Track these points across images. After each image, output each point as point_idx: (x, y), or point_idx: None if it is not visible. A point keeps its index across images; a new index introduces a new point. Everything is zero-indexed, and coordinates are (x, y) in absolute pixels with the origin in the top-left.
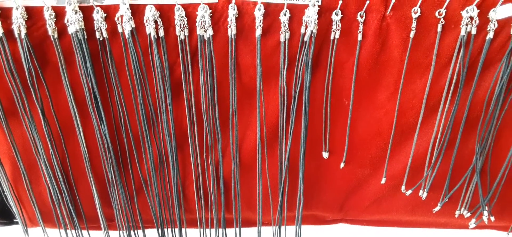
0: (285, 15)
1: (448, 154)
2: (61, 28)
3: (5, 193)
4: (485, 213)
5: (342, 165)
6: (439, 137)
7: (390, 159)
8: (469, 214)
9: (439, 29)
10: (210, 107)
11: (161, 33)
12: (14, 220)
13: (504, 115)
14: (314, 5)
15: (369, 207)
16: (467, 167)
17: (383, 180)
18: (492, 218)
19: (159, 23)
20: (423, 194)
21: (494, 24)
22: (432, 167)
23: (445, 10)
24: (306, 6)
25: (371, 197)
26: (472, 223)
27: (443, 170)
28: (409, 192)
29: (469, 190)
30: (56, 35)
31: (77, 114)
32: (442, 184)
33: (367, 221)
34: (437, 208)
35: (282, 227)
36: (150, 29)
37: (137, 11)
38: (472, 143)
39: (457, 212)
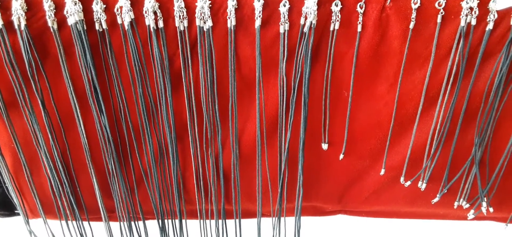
0: (284, 6)
1: (447, 145)
2: (61, 20)
3: (6, 184)
4: (484, 204)
5: (341, 156)
6: (438, 128)
7: (390, 150)
8: (468, 205)
9: (438, 20)
10: (209, 99)
11: (161, 24)
12: (15, 211)
13: (503, 107)
14: None
15: (368, 198)
16: (466, 158)
17: (382, 171)
18: (491, 209)
19: (158, 14)
20: (422, 185)
21: (494, 15)
22: (431, 158)
23: (445, 0)
24: None
25: (370, 188)
26: (471, 214)
27: (442, 161)
28: (408, 183)
29: (468, 181)
30: (55, 26)
31: (77, 106)
32: (441, 175)
33: (366, 212)
34: (436, 199)
35: (282, 218)
36: (149, 21)
37: (136, 2)
38: (471, 134)
39: (456, 203)
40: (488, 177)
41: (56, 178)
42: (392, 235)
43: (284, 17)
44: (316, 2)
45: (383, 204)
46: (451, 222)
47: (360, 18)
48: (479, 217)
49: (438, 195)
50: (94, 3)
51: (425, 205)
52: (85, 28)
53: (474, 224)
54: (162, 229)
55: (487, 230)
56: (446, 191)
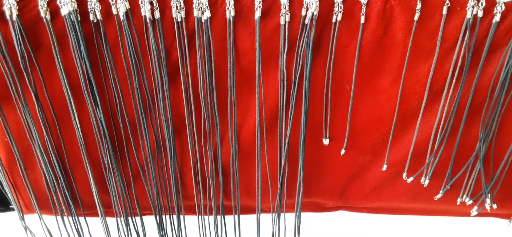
0: None
1: (451, 141)
2: (54, 10)
3: (0, 180)
4: (488, 200)
5: (342, 151)
6: (442, 123)
7: (392, 146)
8: (471, 202)
9: (444, 11)
10: (208, 92)
11: (157, 15)
12: (10, 206)
13: (509, 101)
14: None
15: (369, 194)
16: (470, 154)
17: (384, 167)
18: (494, 206)
19: (154, 4)
20: (424, 181)
21: (501, 7)
22: (434, 154)
23: None
24: None
25: (371, 184)
26: (474, 210)
27: (446, 157)
28: (411, 179)
29: (472, 177)
30: (48, 17)
31: (71, 99)
32: (444, 171)
33: (367, 209)
34: (438, 196)
35: (282, 214)
36: (145, 11)
37: None
38: (476, 129)
39: (459, 200)
40: (492, 173)
41: (51, 173)
42: (393, 232)
43: (285, 8)
44: None
45: (385, 200)
46: (454, 218)
47: (363, 10)
48: (482, 214)
49: (441, 191)
50: None
51: (428, 201)
52: (79, 18)
53: (476, 220)
54: (160, 225)
55: (490, 227)
56: (449, 187)
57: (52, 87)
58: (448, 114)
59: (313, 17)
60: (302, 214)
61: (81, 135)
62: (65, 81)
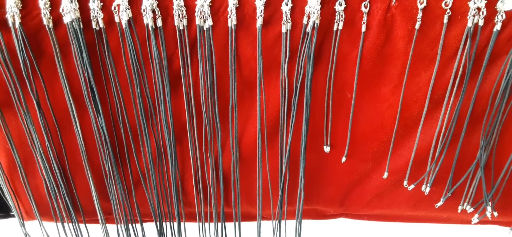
0: (287, 5)
1: (452, 148)
2: (57, 18)
3: (1, 186)
4: (489, 208)
5: (343, 159)
6: (443, 131)
7: (393, 153)
8: (472, 209)
9: (445, 20)
10: (209, 100)
11: (159, 23)
12: (11, 213)
13: (510, 109)
14: None
15: (370, 201)
16: (471, 162)
17: (385, 175)
18: (495, 214)
19: (157, 12)
20: (425, 189)
21: (502, 16)
22: (435, 162)
23: (452, 0)
24: None
25: (372, 191)
26: (475, 218)
27: (447, 165)
28: (412, 186)
29: (473, 185)
30: (51, 25)
31: (73, 106)
32: (445, 178)
33: (368, 216)
34: (439, 203)
35: (282, 222)
36: (147, 19)
37: (134, 0)
38: (477, 137)
39: (460, 207)
40: (493, 180)
41: (52, 179)
42: None
43: (287, 17)
44: (320, 1)
45: (386, 208)
46: (455, 226)
47: (365, 18)
48: (483, 221)
49: (442, 199)
50: (90, 1)
51: (428, 208)
52: (81, 26)
53: (478, 228)
54: (160, 232)
55: (490, 234)
56: (450, 195)
57: (54, 95)
58: (449, 122)
59: (315, 26)
60: (303, 221)
61: (82, 141)
62: (67, 88)
